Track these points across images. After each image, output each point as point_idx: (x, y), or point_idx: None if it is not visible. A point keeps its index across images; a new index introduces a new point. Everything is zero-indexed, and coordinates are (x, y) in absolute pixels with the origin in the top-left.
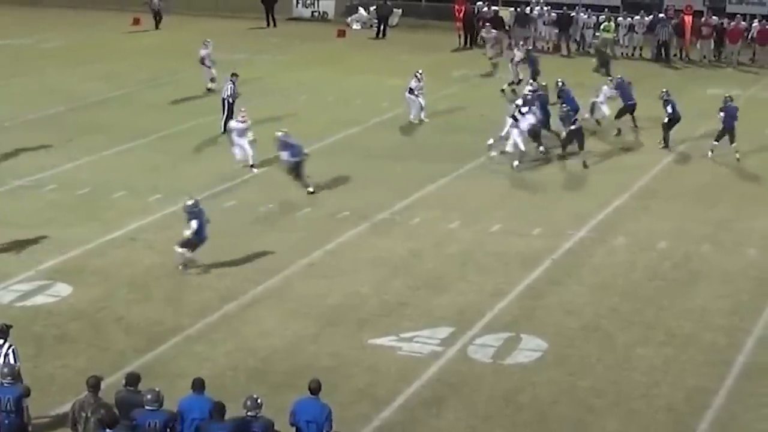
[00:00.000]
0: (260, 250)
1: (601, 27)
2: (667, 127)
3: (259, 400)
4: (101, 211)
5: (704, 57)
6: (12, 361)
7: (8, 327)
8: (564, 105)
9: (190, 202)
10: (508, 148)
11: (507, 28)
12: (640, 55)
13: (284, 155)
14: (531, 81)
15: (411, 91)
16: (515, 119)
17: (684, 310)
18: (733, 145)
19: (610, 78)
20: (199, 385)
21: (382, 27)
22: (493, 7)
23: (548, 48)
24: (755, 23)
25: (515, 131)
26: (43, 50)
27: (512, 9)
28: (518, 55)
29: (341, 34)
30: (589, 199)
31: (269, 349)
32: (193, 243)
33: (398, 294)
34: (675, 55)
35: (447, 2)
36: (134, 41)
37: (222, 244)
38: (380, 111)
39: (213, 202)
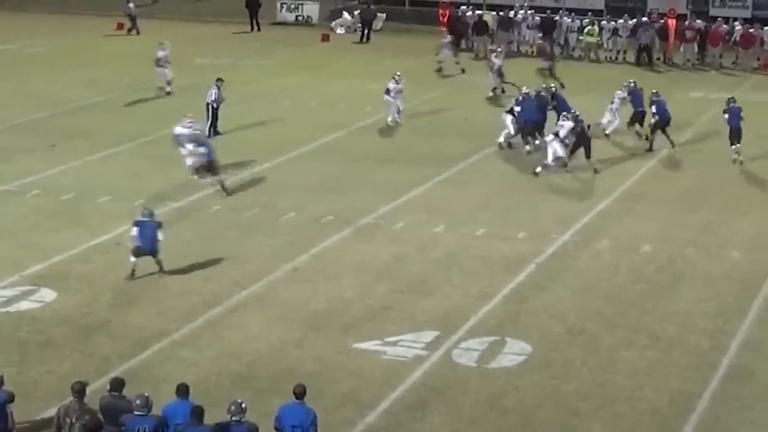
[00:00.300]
0: (244, 254)
1: (585, 31)
2: (653, 129)
3: (243, 405)
4: (85, 216)
5: (687, 60)
6: None
7: None
8: (573, 110)
9: (144, 211)
10: (549, 160)
11: (491, 32)
12: (624, 58)
13: (201, 150)
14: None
15: (388, 92)
16: (513, 114)
17: (668, 313)
18: (737, 146)
19: (629, 82)
20: (183, 391)
21: (366, 31)
22: (478, 12)
23: (532, 52)
24: (738, 27)
25: (553, 138)
26: (26, 56)
27: (494, 13)
28: (497, 62)
29: (325, 38)
30: (574, 203)
31: (254, 354)
32: (135, 251)
33: (383, 298)
34: (658, 58)
35: (431, 6)
36: (117, 46)
37: (206, 249)
38: (364, 115)
39: (197, 207)
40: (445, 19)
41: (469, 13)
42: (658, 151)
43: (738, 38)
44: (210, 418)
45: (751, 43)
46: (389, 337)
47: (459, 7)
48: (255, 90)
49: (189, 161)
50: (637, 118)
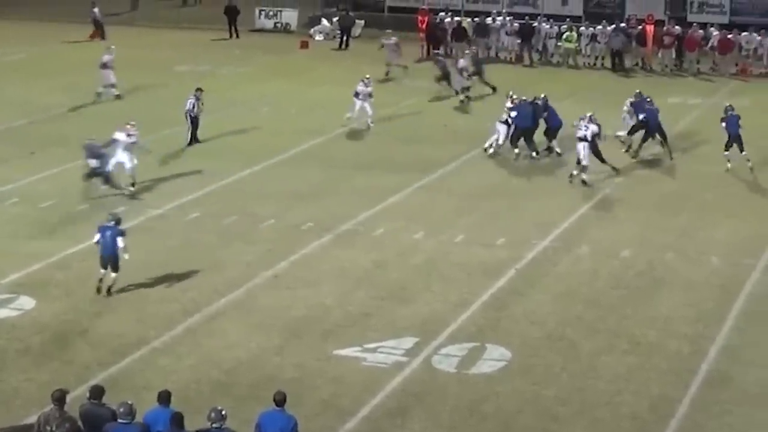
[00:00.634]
0: (224, 262)
1: (564, 37)
2: (633, 130)
3: (223, 412)
4: (64, 224)
5: (665, 66)
6: None
7: None
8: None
9: (109, 216)
10: (580, 158)
11: (469, 38)
12: (602, 64)
13: (93, 163)
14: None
15: (357, 95)
16: (507, 124)
17: (648, 319)
18: (744, 153)
19: (635, 93)
20: (165, 398)
21: (344, 38)
22: (456, 18)
23: (511, 58)
24: (714, 32)
25: (581, 145)
26: (5, 63)
27: (470, 20)
28: (462, 63)
29: (304, 45)
30: (553, 208)
31: (234, 361)
32: (100, 259)
33: (362, 305)
34: (636, 64)
35: (410, 13)
36: (95, 53)
37: (186, 256)
38: (343, 122)
39: (177, 214)
40: (424, 26)
41: (448, 19)
42: (636, 157)
43: (715, 44)
44: (190, 426)
45: (729, 49)
46: (369, 344)
47: (437, 14)
48: (234, 97)
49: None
50: (638, 127)
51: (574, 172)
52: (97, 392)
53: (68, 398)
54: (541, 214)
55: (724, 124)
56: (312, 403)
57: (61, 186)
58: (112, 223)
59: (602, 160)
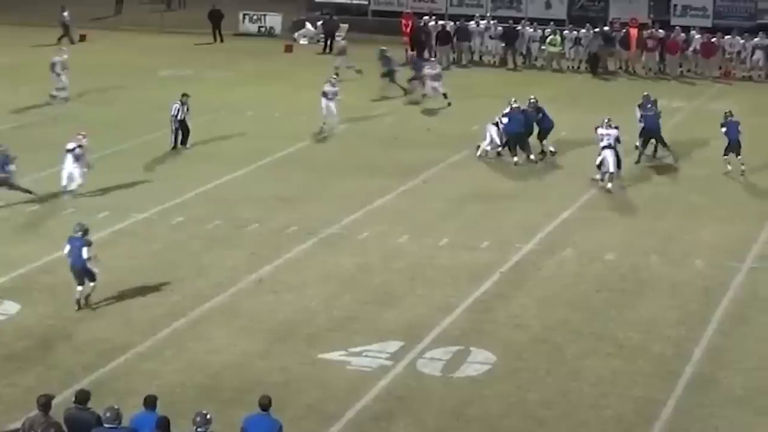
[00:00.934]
0: (209, 266)
1: (548, 41)
2: (644, 140)
3: (208, 416)
4: (49, 228)
5: (649, 69)
6: None
7: None
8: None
9: (76, 227)
10: (609, 170)
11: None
12: (587, 68)
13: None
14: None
15: (325, 95)
16: (497, 128)
17: (632, 321)
18: (739, 158)
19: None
20: (151, 402)
21: (328, 42)
22: (441, 22)
23: (495, 62)
24: (696, 36)
25: (607, 152)
26: None
27: (452, 23)
28: (428, 72)
29: (288, 49)
30: (537, 211)
31: (219, 365)
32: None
33: (347, 309)
34: (620, 67)
35: (394, 17)
36: (80, 58)
37: (170, 261)
38: (318, 129)
39: (161, 219)
40: (408, 30)
41: (432, 23)
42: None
43: (697, 47)
44: (176, 430)
45: (713, 53)
46: (354, 348)
47: (422, 18)
48: (218, 101)
49: (65, 180)
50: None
51: (597, 176)
52: (82, 397)
53: (53, 403)
54: (526, 218)
55: (723, 130)
56: (297, 407)
57: (45, 190)
58: (79, 233)
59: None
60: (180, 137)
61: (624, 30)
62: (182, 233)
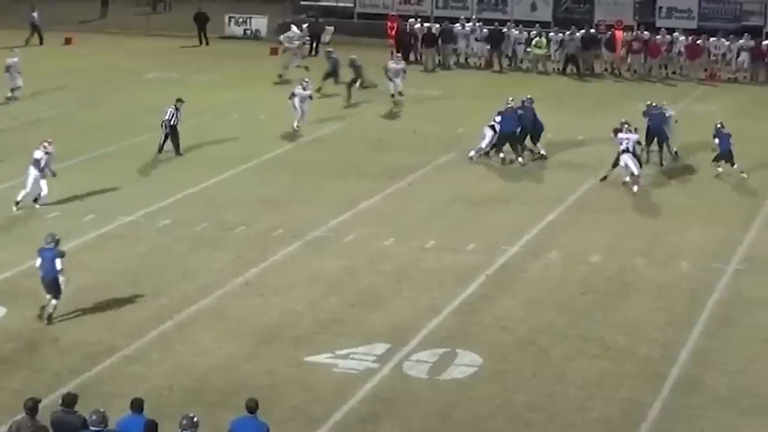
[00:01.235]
0: (195, 269)
1: (533, 43)
2: (647, 142)
3: (195, 419)
4: (34, 231)
5: (635, 71)
6: None
7: None
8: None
9: (47, 238)
10: (633, 173)
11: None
12: (572, 70)
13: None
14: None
15: (293, 96)
16: (494, 130)
17: (618, 324)
18: (735, 166)
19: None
20: (137, 405)
21: (314, 45)
22: (426, 24)
23: (480, 64)
24: (681, 38)
25: (626, 157)
26: None
27: (438, 25)
28: (392, 66)
29: (274, 52)
30: (523, 214)
31: (205, 368)
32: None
33: (333, 311)
34: (606, 69)
35: (379, 19)
36: (66, 61)
37: (156, 264)
38: (312, 128)
39: (147, 221)
40: (393, 32)
41: (418, 25)
42: (605, 162)
43: (681, 49)
44: None
45: (698, 55)
46: (340, 350)
47: (407, 20)
48: (204, 104)
49: (30, 187)
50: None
51: (634, 188)
52: (69, 400)
53: (39, 406)
54: (512, 220)
55: (716, 141)
56: (283, 410)
57: (31, 194)
58: (51, 244)
59: (614, 166)
60: (167, 142)
61: (609, 32)
62: (168, 236)
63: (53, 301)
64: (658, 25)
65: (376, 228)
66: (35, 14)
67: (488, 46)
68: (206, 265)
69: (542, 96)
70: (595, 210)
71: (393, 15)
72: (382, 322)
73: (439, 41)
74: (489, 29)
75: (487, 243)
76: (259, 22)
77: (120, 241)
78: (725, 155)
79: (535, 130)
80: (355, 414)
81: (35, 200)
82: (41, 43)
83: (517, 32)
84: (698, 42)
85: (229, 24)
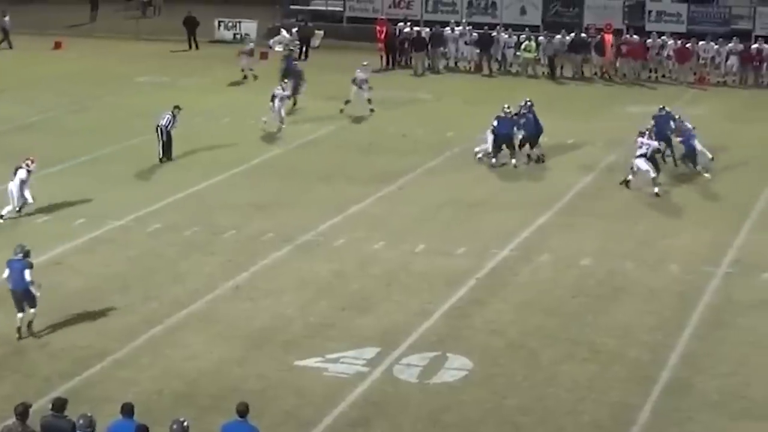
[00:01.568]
0: (185, 273)
1: (522, 47)
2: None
3: (185, 423)
4: (25, 235)
5: (624, 75)
6: None
7: None
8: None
9: (16, 249)
10: (651, 175)
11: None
12: (561, 74)
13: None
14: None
15: (273, 98)
16: (494, 133)
17: (608, 327)
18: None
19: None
20: (128, 410)
21: (304, 49)
22: (416, 28)
23: (470, 68)
24: (670, 41)
25: (640, 161)
26: None
27: (428, 29)
28: (360, 75)
29: (264, 56)
30: (513, 217)
31: (196, 372)
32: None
33: (323, 315)
34: (596, 73)
35: (369, 23)
36: (56, 65)
37: (146, 268)
38: (303, 132)
39: (137, 226)
40: (383, 36)
41: (407, 29)
42: (596, 166)
43: (670, 53)
44: None
45: (688, 58)
46: (331, 354)
47: (396, 24)
48: (194, 108)
49: (17, 200)
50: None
51: (655, 190)
52: (59, 405)
53: (30, 411)
54: (502, 223)
55: (679, 140)
56: (274, 414)
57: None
58: (20, 255)
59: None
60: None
61: (599, 36)
62: (159, 240)
63: (31, 311)
64: (647, 29)
65: (366, 232)
66: (6, 18)
67: (478, 50)
68: (196, 269)
69: (532, 100)
70: (585, 213)
71: (382, 19)
72: (372, 326)
73: (430, 45)
74: (478, 33)
75: (478, 246)
76: (249, 26)
77: (110, 245)
78: (690, 155)
79: (536, 132)
80: (346, 418)
81: (19, 210)
82: (9, 46)
83: (506, 36)
84: (687, 46)
85: (218, 28)
